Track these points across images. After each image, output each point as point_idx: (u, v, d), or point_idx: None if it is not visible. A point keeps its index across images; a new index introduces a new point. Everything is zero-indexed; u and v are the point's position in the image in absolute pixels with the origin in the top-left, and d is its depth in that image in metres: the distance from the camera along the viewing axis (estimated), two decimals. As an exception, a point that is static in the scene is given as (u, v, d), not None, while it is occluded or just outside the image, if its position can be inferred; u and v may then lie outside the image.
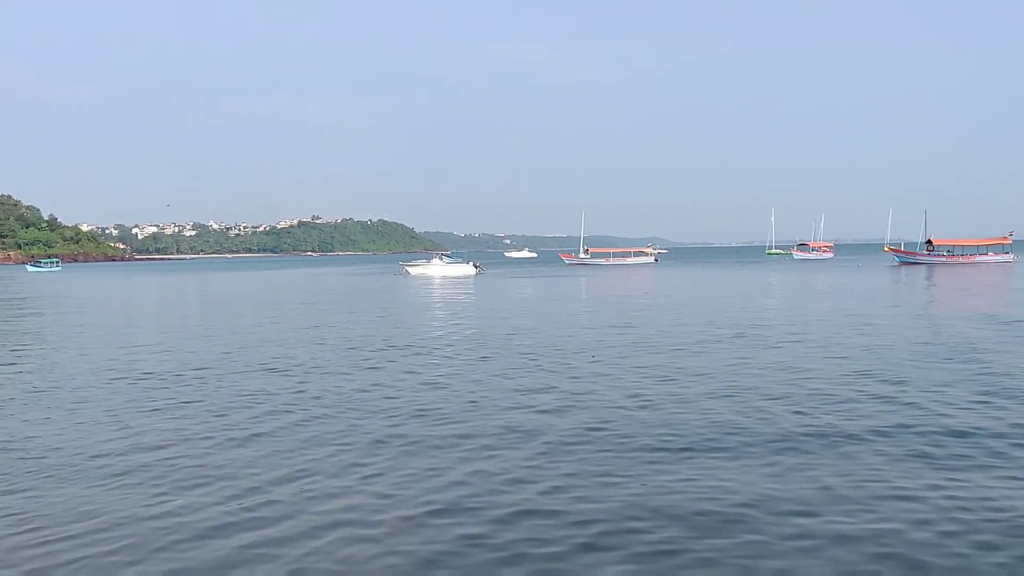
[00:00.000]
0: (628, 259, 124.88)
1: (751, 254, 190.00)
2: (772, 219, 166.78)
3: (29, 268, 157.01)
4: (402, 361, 21.47)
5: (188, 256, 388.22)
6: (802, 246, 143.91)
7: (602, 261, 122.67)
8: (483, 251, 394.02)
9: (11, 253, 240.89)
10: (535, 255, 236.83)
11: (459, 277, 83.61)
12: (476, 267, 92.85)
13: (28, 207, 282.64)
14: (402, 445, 12.23)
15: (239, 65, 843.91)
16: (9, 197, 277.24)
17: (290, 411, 14.98)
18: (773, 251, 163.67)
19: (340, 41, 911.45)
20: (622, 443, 12.08)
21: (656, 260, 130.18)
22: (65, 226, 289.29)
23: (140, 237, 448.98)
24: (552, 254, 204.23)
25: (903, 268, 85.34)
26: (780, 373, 18.15)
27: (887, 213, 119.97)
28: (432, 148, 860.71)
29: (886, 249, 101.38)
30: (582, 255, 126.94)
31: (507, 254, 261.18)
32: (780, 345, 23.46)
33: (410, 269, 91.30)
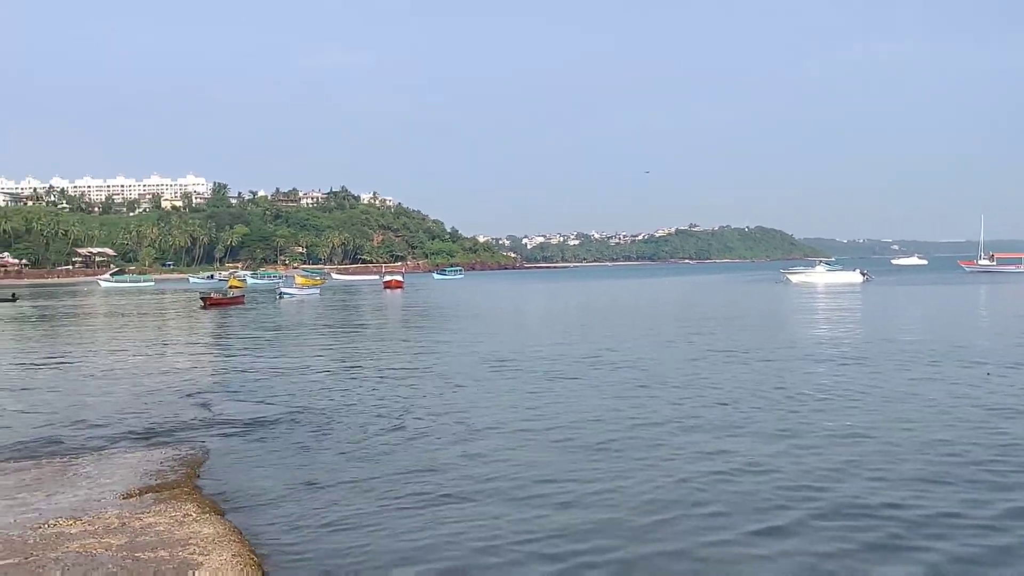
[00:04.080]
0: None
1: None
2: None
3: (436, 276, 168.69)
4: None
5: (572, 264, 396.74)
6: None
7: (1012, 268, 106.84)
8: (867, 258, 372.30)
9: (420, 262, 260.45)
10: (925, 262, 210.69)
11: (844, 285, 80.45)
12: (863, 275, 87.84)
13: (434, 221, 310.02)
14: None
15: (621, 77, 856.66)
16: (418, 212, 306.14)
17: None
18: None
19: (698, 52, 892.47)
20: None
21: None
22: (465, 237, 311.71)
23: (529, 247, 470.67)
24: (944, 260, 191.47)
25: None
26: None
27: None
28: (807, 152, 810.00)
29: None
30: (984, 261, 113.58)
31: (894, 261, 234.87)
32: None
33: (791, 276, 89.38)
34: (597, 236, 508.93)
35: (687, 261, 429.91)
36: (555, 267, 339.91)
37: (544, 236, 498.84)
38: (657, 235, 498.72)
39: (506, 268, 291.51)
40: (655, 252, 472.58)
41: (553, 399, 18.17)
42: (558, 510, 10.43)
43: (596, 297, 74.60)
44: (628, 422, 15.47)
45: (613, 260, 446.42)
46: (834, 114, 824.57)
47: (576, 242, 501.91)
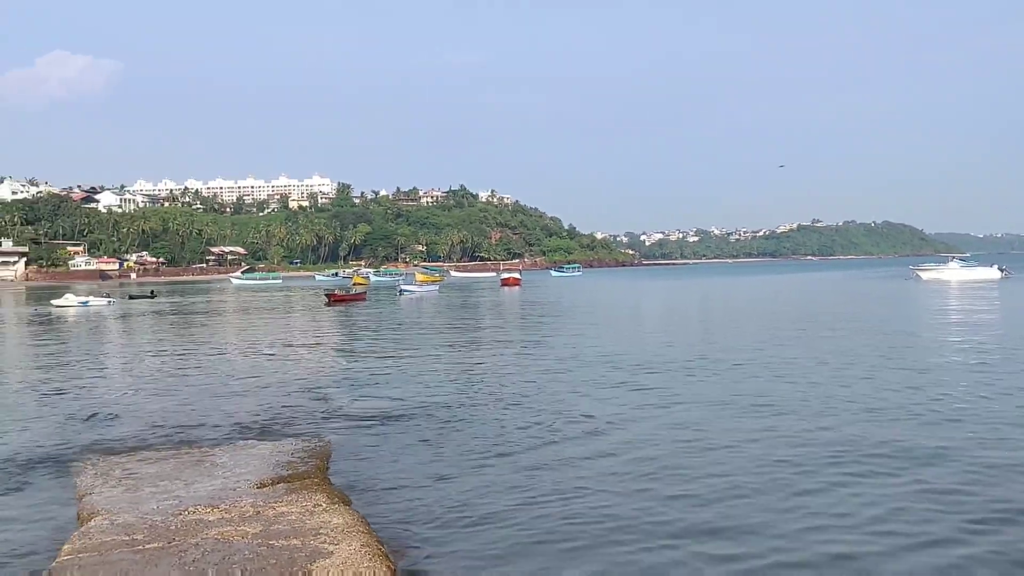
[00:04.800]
0: None
1: None
2: None
3: (553, 273, 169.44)
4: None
5: (690, 261, 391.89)
6: None
7: None
8: (1007, 253, 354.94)
9: (537, 260, 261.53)
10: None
11: (980, 282, 76.58)
12: (1002, 271, 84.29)
13: (551, 218, 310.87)
14: None
15: (743, 72, 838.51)
16: (535, 209, 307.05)
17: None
18: None
19: (825, 47, 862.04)
20: None
21: None
22: (582, 234, 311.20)
23: (647, 244, 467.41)
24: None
25: None
26: None
27: None
28: (938, 143, 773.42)
29: None
30: None
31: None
32: None
33: (922, 273, 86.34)
34: (716, 232, 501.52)
35: (809, 258, 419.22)
36: (673, 264, 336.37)
37: (662, 233, 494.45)
38: (778, 231, 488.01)
39: (624, 265, 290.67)
40: (776, 248, 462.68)
41: (677, 396, 17.89)
42: (698, 507, 10.30)
43: (716, 294, 73.46)
44: (753, 424, 15.09)
45: (733, 257, 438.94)
46: (966, 103, 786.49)
47: (695, 239, 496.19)
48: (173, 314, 57.55)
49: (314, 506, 9.49)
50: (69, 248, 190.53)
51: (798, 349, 26.43)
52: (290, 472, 11.27)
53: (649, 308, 56.10)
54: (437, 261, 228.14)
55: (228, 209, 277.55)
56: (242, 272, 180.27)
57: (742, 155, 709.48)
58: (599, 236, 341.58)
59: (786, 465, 12.06)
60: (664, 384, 19.78)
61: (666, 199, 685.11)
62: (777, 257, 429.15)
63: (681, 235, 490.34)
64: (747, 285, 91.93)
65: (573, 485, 11.25)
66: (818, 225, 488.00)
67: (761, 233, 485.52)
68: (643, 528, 9.60)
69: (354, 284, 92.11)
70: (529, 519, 9.95)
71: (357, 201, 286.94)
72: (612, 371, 22.11)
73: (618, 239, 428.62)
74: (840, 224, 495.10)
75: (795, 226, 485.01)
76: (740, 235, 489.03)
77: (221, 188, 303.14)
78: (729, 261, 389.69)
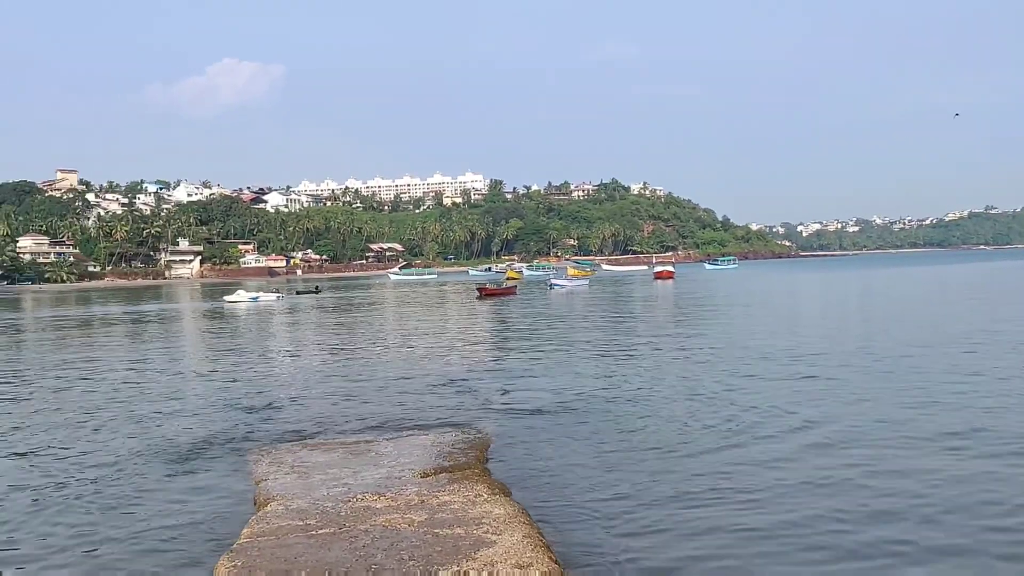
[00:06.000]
0: None
1: None
2: None
3: (707, 266, 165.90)
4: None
5: (850, 252, 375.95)
6: None
7: None
8: None
9: (691, 252, 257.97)
10: None
11: None
12: None
13: (705, 210, 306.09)
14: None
15: (905, 50, 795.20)
16: (688, 201, 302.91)
17: None
18: None
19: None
20: None
21: None
22: (737, 226, 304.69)
23: (804, 234, 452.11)
24: None
25: None
26: None
27: None
28: None
29: None
30: None
31: None
32: None
33: None
34: (879, 222, 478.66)
35: (982, 247, 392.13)
36: (832, 256, 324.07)
37: (821, 223, 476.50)
38: (947, 219, 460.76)
39: (780, 257, 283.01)
40: (944, 238, 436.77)
41: (844, 395, 17.13)
42: (873, 520, 9.77)
43: (880, 286, 70.11)
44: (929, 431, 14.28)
45: (896, 247, 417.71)
46: None
47: (855, 228, 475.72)
48: (336, 309, 59.97)
49: (476, 496, 9.64)
50: (240, 247, 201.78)
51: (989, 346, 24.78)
52: (451, 462, 11.50)
53: (815, 301, 54.35)
54: (589, 255, 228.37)
55: (386, 207, 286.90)
56: (399, 268, 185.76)
57: (906, 137, 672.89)
58: (754, 227, 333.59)
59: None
60: (851, 380, 18.79)
61: (824, 188, 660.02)
62: (945, 247, 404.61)
63: (840, 225, 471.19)
64: (917, 276, 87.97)
65: (761, 487, 10.71)
66: (992, 212, 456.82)
67: (928, 221, 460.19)
68: (849, 547, 8.92)
69: (508, 279, 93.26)
70: (705, 525, 9.46)
71: (509, 197, 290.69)
72: (774, 367, 21.37)
73: (774, 230, 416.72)
74: (1018, 210, 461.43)
75: (965, 213, 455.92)
76: (904, 224, 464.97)
77: (379, 187, 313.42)
78: (892, 252, 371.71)
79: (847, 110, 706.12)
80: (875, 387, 17.74)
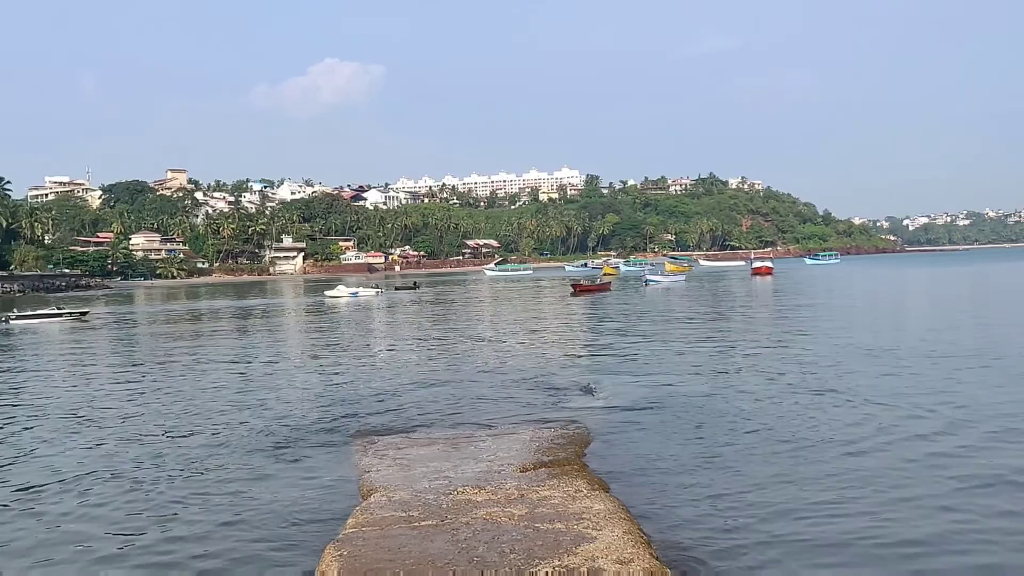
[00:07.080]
0: None
1: None
2: None
3: (808, 261, 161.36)
4: None
5: (960, 247, 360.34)
6: None
7: None
8: None
9: (790, 247, 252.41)
10: None
11: None
12: None
13: (805, 204, 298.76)
14: None
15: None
16: (788, 195, 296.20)
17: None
18: None
19: None
20: None
21: None
22: (838, 220, 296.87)
23: (911, 228, 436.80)
24: None
25: None
26: None
27: None
28: None
29: None
30: None
31: None
32: None
33: None
34: (992, 215, 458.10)
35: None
36: (941, 251, 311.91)
37: (928, 216, 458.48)
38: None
39: (884, 252, 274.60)
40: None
41: (955, 397, 16.48)
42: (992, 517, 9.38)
43: (999, 283, 67.07)
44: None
45: (1012, 241, 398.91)
46: None
47: (966, 222, 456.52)
48: (433, 304, 60.83)
49: (575, 491, 9.65)
50: (340, 243, 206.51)
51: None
52: (550, 457, 11.54)
53: (925, 298, 52.58)
54: (686, 250, 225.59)
55: (482, 203, 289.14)
56: (495, 264, 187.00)
57: (1021, 125, 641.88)
58: (857, 221, 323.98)
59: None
60: (942, 385, 18.04)
61: (932, 180, 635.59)
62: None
63: (949, 218, 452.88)
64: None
65: (881, 490, 10.32)
66: None
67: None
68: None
69: (604, 274, 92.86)
70: (826, 538, 8.97)
71: (605, 192, 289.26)
72: (881, 366, 20.70)
73: (878, 224, 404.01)
74: None
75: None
76: (1020, 217, 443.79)
77: (476, 183, 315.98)
78: (1007, 246, 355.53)
79: (957, 97, 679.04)
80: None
